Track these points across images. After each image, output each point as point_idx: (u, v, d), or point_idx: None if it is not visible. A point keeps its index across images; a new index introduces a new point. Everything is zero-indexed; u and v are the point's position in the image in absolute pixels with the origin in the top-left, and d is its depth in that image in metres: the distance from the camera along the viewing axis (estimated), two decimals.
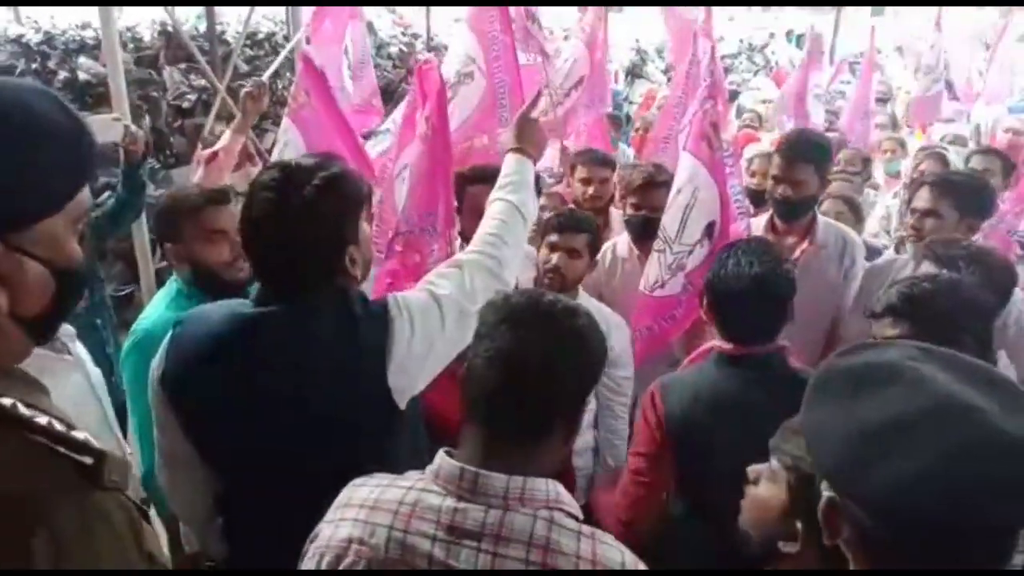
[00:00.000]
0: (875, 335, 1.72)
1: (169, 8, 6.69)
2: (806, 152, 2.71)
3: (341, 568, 1.09)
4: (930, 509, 0.73)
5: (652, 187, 2.82)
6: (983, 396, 0.77)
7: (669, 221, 2.58)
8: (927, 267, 2.05)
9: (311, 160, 1.48)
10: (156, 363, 1.51)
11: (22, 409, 0.80)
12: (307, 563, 1.14)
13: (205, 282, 2.06)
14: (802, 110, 5.00)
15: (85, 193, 0.90)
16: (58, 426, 0.81)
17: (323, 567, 1.11)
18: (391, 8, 15.17)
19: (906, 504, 0.74)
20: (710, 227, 2.57)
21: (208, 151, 2.93)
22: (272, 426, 1.42)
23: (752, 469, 1.34)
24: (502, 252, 1.72)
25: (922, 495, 0.73)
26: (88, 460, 0.81)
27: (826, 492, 0.85)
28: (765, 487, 1.29)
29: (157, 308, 2.09)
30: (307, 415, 1.41)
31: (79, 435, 0.82)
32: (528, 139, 1.86)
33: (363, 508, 1.12)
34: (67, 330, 1.89)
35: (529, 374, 1.07)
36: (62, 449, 0.80)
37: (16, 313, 0.85)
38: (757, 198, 3.70)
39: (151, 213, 5.34)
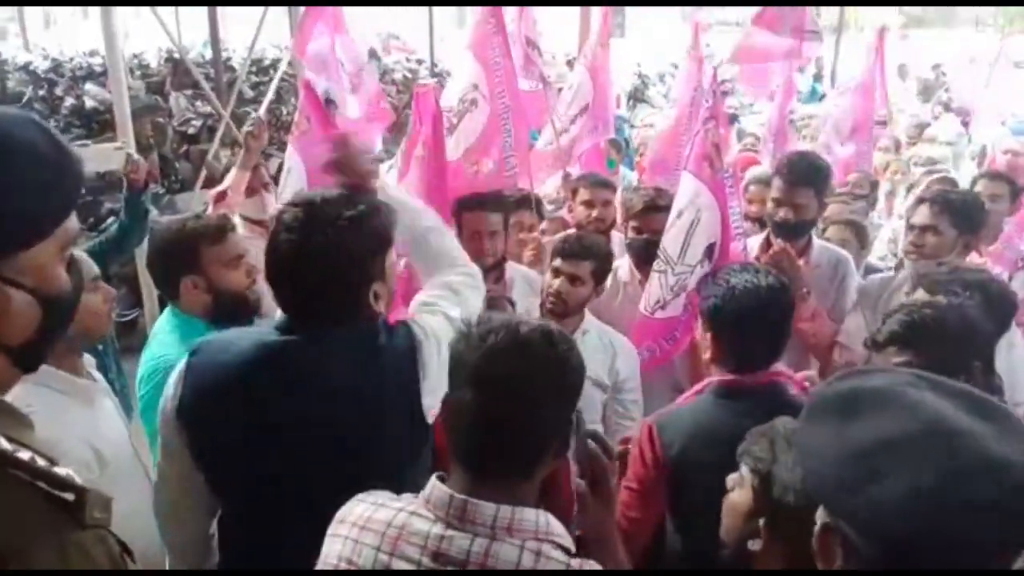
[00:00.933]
0: (890, 360, 1.71)
1: (175, 33, 6.79)
2: (807, 176, 2.73)
3: None
4: (921, 529, 0.74)
5: (653, 211, 2.82)
6: (974, 420, 0.79)
7: (670, 242, 2.58)
8: (921, 294, 2.04)
9: (336, 196, 1.48)
10: (170, 393, 1.46)
11: (3, 443, 0.78)
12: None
13: (226, 309, 2.03)
14: (783, 139, 4.97)
15: (72, 220, 0.89)
16: (40, 461, 0.79)
17: None
18: (395, 35, 15.36)
19: (897, 524, 0.75)
20: (710, 248, 2.57)
21: (216, 191, 2.95)
22: (296, 454, 1.40)
23: (730, 478, 1.37)
24: (471, 265, 1.81)
25: (913, 515, 0.74)
26: (70, 496, 0.79)
27: (821, 519, 0.85)
28: (737, 493, 1.34)
29: (170, 341, 2.04)
30: (333, 442, 1.40)
31: (61, 471, 0.80)
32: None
33: (355, 526, 1.12)
34: (88, 359, 1.88)
35: (516, 406, 1.05)
36: (43, 485, 0.78)
37: (1, 342, 0.84)
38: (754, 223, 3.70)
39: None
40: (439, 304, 1.61)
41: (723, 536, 1.38)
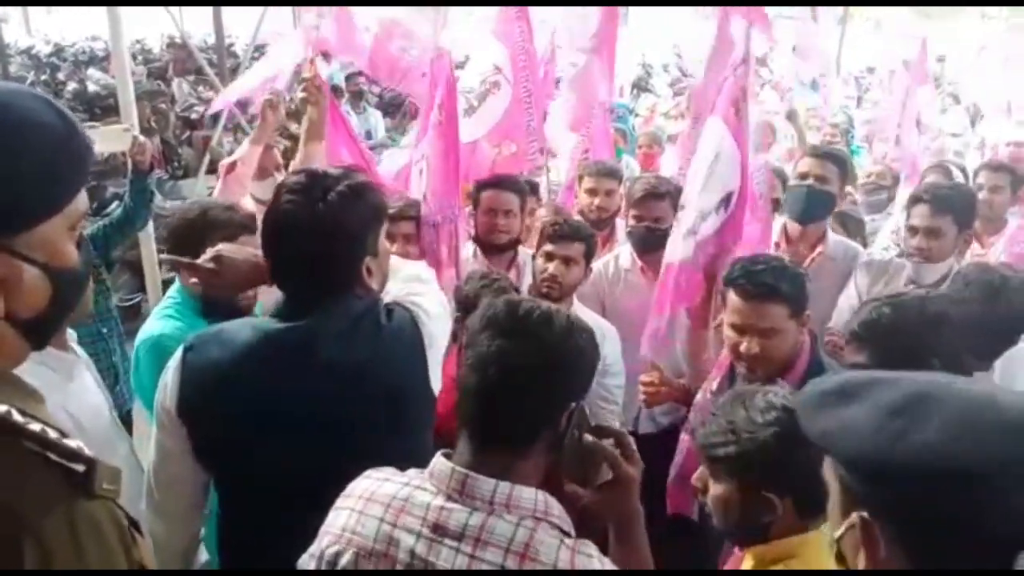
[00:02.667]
0: (848, 359, 1.76)
1: (179, 20, 6.76)
2: (833, 155, 2.90)
3: (332, 551, 1.12)
4: (963, 457, 0.80)
5: (653, 199, 2.83)
6: (946, 379, 0.90)
7: (690, 182, 2.53)
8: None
9: (337, 169, 1.50)
10: (166, 392, 1.42)
11: (16, 416, 0.80)
12: (313, 545, 1.17)
13: (215, 305, 2.01)
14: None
15: (82, 196, 0.90)
16: (51, 433, 0.80)
17: (321, 549, 1.15)
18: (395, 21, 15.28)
19: (942, 457, 0.81)
20: (728, 197, 2.51)
21: (227, 161, 2.93)
22: (311, 443, 1.38)
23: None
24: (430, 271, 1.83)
25: (953, 446, 0.81)
26: (80, 468, 0.79)
27: (857, 515, 0.87)
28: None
29: (164, 318, 2.05)
30: (350, 427, 1.40)
31: (71, 443, 0.81)
32: None
33: (361, 499, 1.14)
34: (70, 333, 1.88)
35: (507, 379, 1.09)
36: (54, 456, 0.79)
37: (13, 317, 0.85)
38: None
39: (160, 224, 5.39)
40: (414, 289, 1.61)
41: (720, 525, 1.44)
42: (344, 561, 1.11)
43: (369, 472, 1.20)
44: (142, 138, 3.07)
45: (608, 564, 1.09)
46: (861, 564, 0.88)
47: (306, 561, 1.17)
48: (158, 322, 2.05)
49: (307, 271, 1.43)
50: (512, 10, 3.14)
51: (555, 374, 1.11)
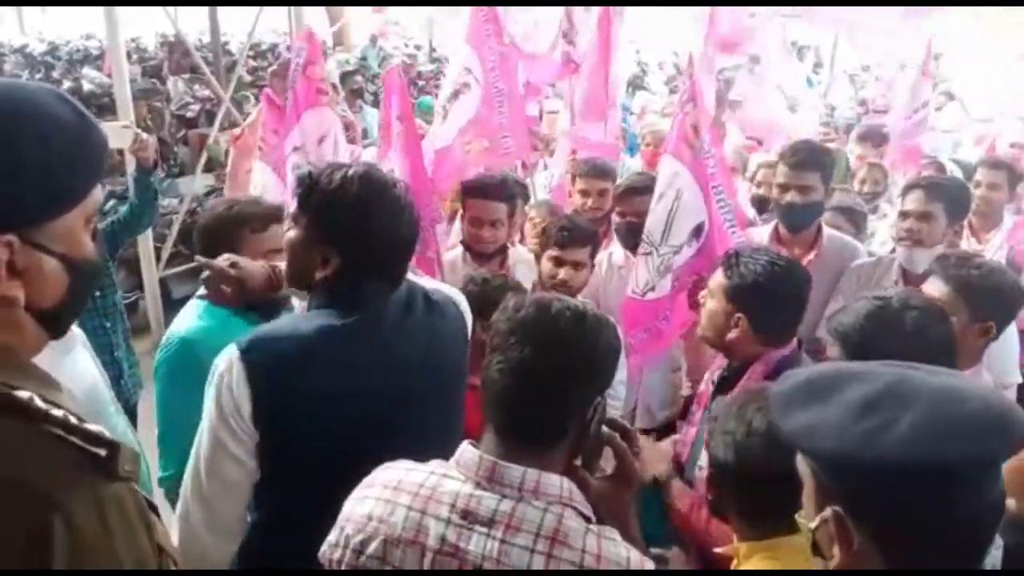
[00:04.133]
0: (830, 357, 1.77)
1: (174, 19, 6.75)
2: (811, 159, 2.77)
3: (359, 539, 1.12)
4: (934, 454, 0.82)
5: (634, 193, 2.85)
6: (911, 370, 0.92)
7: (653, 224, 2.61)
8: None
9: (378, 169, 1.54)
10: (234, 398, 1.34)
11: (38, 402, 0.81)
12: (331, 535, 1.17)
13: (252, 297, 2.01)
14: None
15: (98, 190, 0.92)
16: (73, 419, 0.82)
17: (346, 538, 1.14)
18: (394, 20, 15.29)
19: (913, 455, 0.82)
20: (698, 228, 2.60)
21: (235, 131, 2.95)
22: (382, 427, 1.40)
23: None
24: None
25: (920, 444, 0.83)
26: (102, 452, 0.81)
27: (830, 509, 0.89)
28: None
29: (189, 318, 2.03)
30: (414, 406, 1.44)
31: (93, 428, 0.83)
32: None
33: (387, 488, 1.15)
34: None
35: (541, 388, 1.10)
36: (77, 440, 0.81)
37: (32, 307, 0.87)
38: (762, 206, 3.71)
39: (157, 222, 5.38)
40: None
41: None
42: (372, 548, 1.11)
43: (389, 464, 1.21)
44: (144, 134, 3.04)
45: (632, 549, 1.10)
46: (836, 556, 0.90)
47: (327, 552, 1.16)
48: (190, 322, 2.01)
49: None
50: (480, 12, 3.16)
51: (587, 376, 1.13)
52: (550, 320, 1.12)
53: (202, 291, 1.96)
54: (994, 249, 3.26)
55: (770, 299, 1.85)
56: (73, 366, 1.72)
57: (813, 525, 0.91)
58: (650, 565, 1.11)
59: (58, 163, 0.85)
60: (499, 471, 1.10)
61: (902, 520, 0.86)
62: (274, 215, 2.05)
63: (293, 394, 1.36)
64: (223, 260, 1.63)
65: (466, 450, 1.15)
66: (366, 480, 1.20)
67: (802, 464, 0.94)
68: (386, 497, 1.14)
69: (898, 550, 0.87)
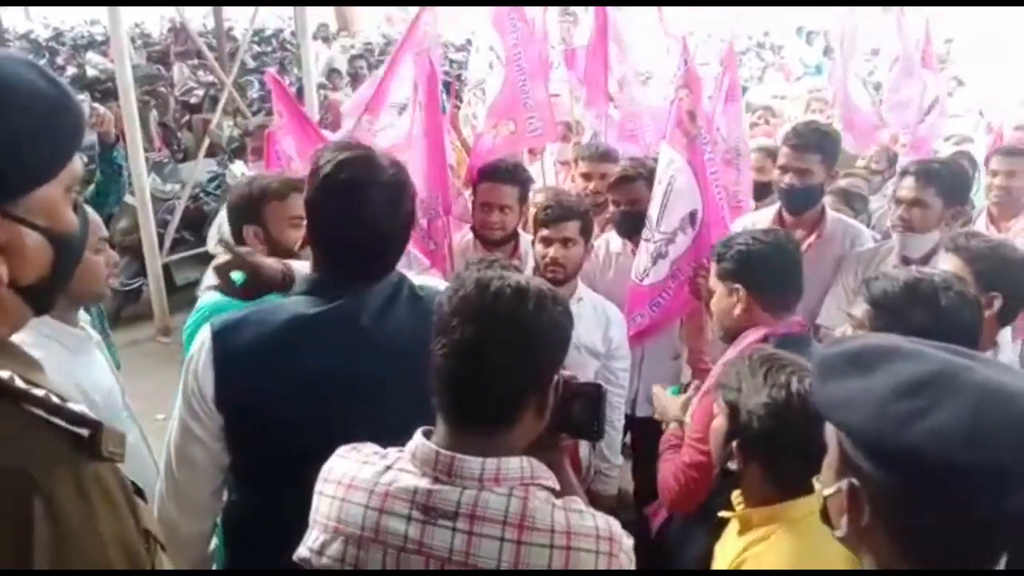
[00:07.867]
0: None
1: (178, 5, 6.73)
2: (813, 142, 2.73)
3: (320, 540, 1.11)
4: (963, 453, 0.79)
5: (626, 181, 2.81)
6: (964, 358, 0.87)
7: (652, 211, 2.62)
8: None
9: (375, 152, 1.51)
10: (198, 381, 1.36)
11: (19, 382, 0.80)
12: (308, 533, 1.16)
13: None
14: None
15: (76, 161, 0.90)
16: (54, 399, 0.81)
17: (317, 536, 1.13)
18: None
19: (940, 452, 0.80)
20: (692, 215, 2.59)
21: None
22: (354, 414, 1.34)
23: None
24: None
25: (955, 441, 0.80)
26: (84, 431, 0.81)
27: (847, 480, 0.88)
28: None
29: (213, 295, 2.09)
30: (394, 396, 1.38)
31: (75, 407, 0.82)
32: None
33: (340, 485, 1.12)
34: (83, 316, 1.90)
35: (485, 367, 1.07)
36: (58, 420, 0.80)
37: (15, 282, 0.84)
38: (759, 192, 3.68)
39: (161, 208, 5.39)
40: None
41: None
42: (333, 550, 1.10)
43: (344, 452, 1.18)
44: (102, 108, 2.94)
45: (599, 516, 1.09)
46: (842, 527, 0.88)
47: (303, 553, 1.15)
48: (216, 297, 2.05)
49: (375, 251, 1.42)
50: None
51: (531, 351, 1.09)
52: (489, 298, 1.08)
53: (209, 282, 1.98)
54: (1016, 234, 3.19)
55: (759, 260, 1.91)
56: (89, 370, 1.73)
57: (828, 492, 0.90)
58: (616, 525, 1.09)
59: (34, 132, 0.82)
60: (457, 465, 1.07)
61: (917, 510, 0.83)
62: (294, 184, 2.09)
63: (256, 380, 1.35)
64: (243, 251, 1.65)
65: (420, 443, 1.11)
66: (323, 471, 1.17)
67: (829, 431, 0.92)
68: (340, 495, 1.11)
69: (906, 536, 0.85)
